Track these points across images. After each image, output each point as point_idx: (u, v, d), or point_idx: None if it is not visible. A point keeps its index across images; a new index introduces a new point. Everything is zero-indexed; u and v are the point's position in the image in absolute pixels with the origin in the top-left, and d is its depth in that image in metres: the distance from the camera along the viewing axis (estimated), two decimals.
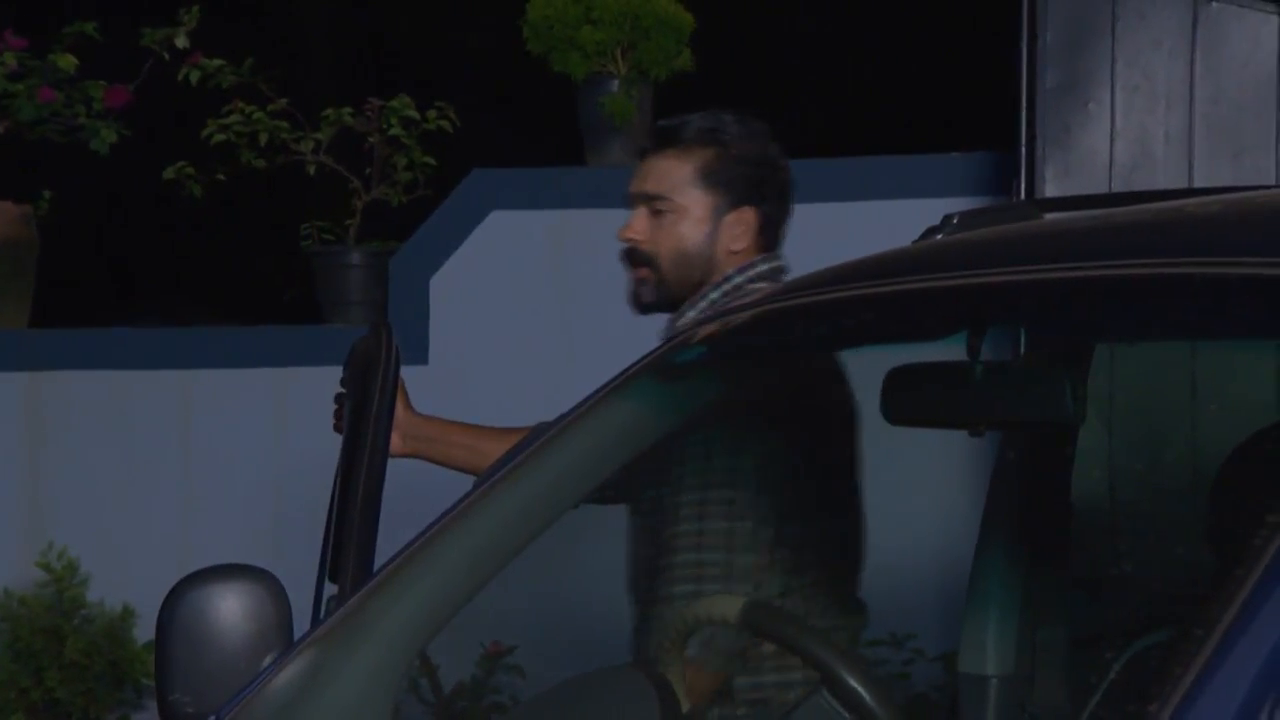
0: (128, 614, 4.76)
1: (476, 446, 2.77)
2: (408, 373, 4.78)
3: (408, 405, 2.78)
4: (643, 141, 2.71)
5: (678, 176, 2.63)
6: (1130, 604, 2.36)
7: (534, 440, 2.19)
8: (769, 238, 2.67)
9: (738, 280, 2.65)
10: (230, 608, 2.07)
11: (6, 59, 4.99)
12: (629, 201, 2.69)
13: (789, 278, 2.58)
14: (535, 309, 4.63)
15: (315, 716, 2.06)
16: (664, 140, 2.65)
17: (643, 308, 2.68)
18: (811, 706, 1.89)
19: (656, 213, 2.64)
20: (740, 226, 2.63)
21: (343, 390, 2.85)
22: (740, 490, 2.50)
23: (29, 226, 5.11)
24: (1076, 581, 2.45)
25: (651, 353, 2.23)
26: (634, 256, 2.66)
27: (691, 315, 2.63)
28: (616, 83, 4.76)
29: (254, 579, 2.08)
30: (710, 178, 2.63)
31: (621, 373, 2.30)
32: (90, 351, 5.01)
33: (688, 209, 2.63)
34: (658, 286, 2.65)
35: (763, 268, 2.66)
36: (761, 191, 2.66)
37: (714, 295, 2.64)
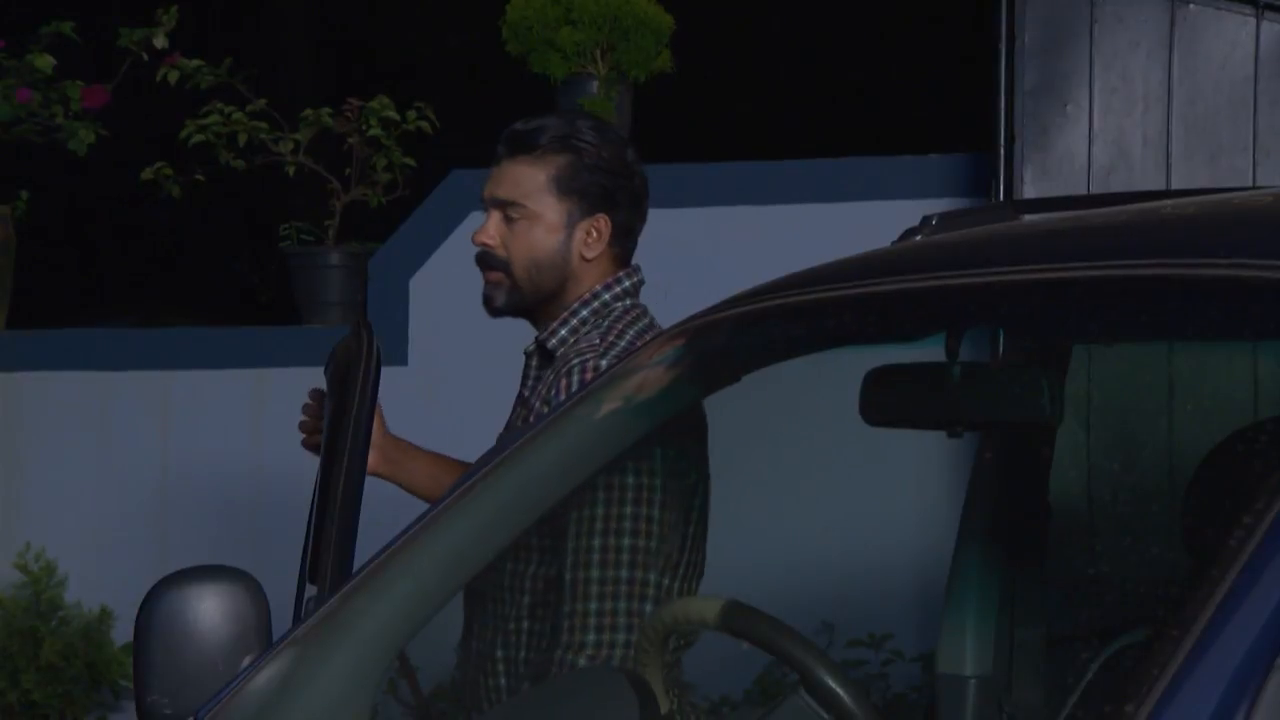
0: (105, 615, 4.75)
1: (440, 479, 2.77)
2: (387, 374, 4.78)
3: (383, 425, 2.78)
4: (500, 145, 2.71)
5: (532, 183, 2.64)
6: (1107, 604, 2.37)
7: (511, 443, 2.19)
8: (623, 246, 2.69)
9: (605, 298, 2.66)
10: (209, 609, 2.07)
11: None
12: (483, 205, 2.70)
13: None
14: None
15: (294, 717, 2.06)
16: (519, 145, 2.65)
17: (494, 311, 2.69)
18: (789, 707, 1.90)
19: (509, 218, 2.65)
20: (594, 234, 2.65)
21: (310, 399, 2.84)
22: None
23: (6, 227, 5.09)
24: (1054, 582, 2.46)
25: (627, 359, 2.23)
26: (487, 260, 2.67)
27: (564, 333, 2.65)
28: (596, 84, 4.76)
29: (233, 580, 2.08)
30: (564, 185, 2.64)
31: (600, 373, 2.30)
32: (67, 352, 5.00)
33: (541, 215, 2.64)
34: (510, 291, 2.66)
35: (626, 284, 2.69)
36: (615, 199, 2.66)
37: (584, 313, 2.66)
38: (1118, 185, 4.16)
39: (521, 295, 2.66)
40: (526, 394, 2.73)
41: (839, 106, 8.74)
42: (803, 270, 2.10)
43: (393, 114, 4.83)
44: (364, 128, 4.82)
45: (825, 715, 1.89)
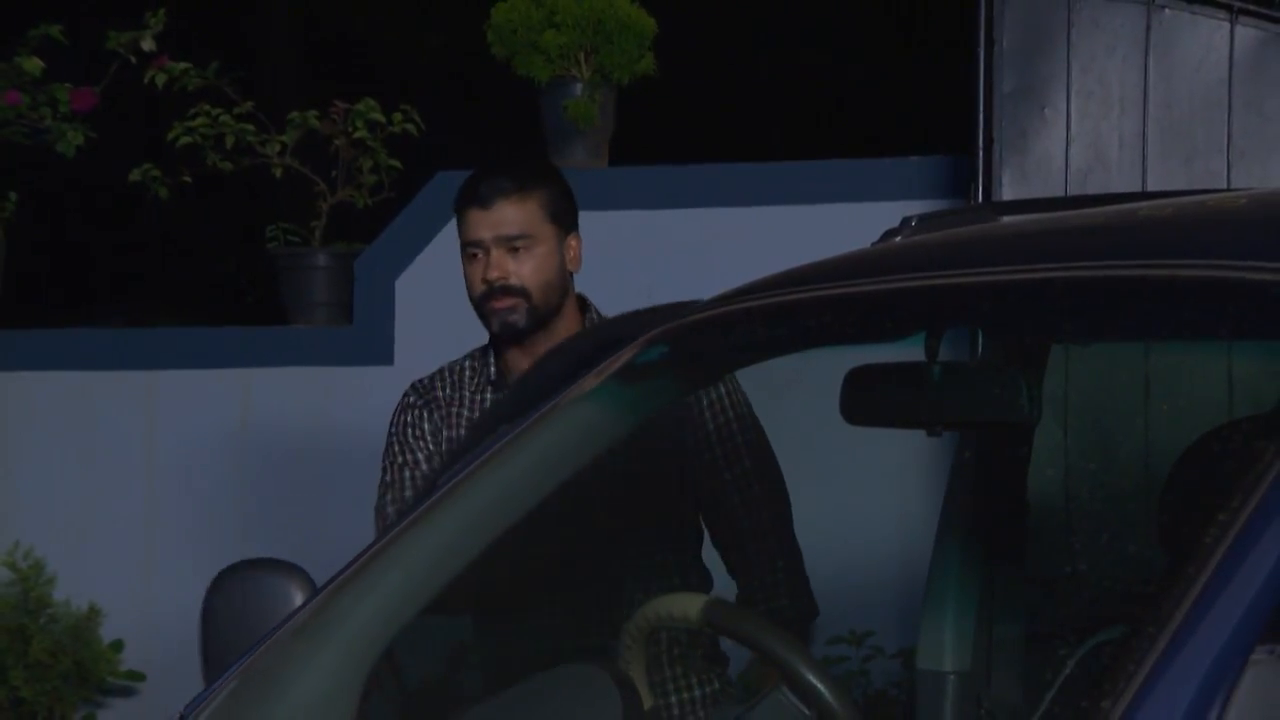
0: (94, 613, 4.74)
1: None
2: (373, 373, 4.79)
3: None
4: (477, 193, 3.00)
5: (529, 216, 2.97)
6: (1084, 602, 2.37)
7: (500, 438, 2.19)
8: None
9: (592, 303, 3.05)
10: (266, 598, 2.14)
11: None
12: (480, 247, 2.99)
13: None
14: None
15: (280, 713, 2.06)
16: (502, 191, 2.97)
17: (518, 334, 2.99)
18: (771, 703, 1.90)
19: (514, 250, 2.96)
20: (573, 250, 3.02)
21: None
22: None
23: None
24: (1032, 579, 2.46)
25: (617, 357, 2.23)
26: (505, 291, 2.97)
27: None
28: (580, 86, 4.76)
29: (289, 572, 2.16)
30: (550, 211, 2.99)
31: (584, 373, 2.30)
32: (55, 352, 4.99)
33: (544, 242, 2.98)
34: (529, 313, 2.97)
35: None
36: (576, 218, 3.04)
37: (596, 316, 3.04)
38: (1095, 187, 4.17)
39: (538, 314, 2.97)
40: None
41: (819, 109, 8.75)
42: (784, 271, 2.10)
43: (379, 116, 4.82)
44: (350, 130, 4.81)
45: (806, 711, 1.89)
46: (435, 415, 3.02)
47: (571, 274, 3.01)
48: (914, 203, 4.28)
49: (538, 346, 2.94)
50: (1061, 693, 2.13)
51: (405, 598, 2.15)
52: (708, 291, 2.20)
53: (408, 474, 3.00)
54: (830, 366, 2.06)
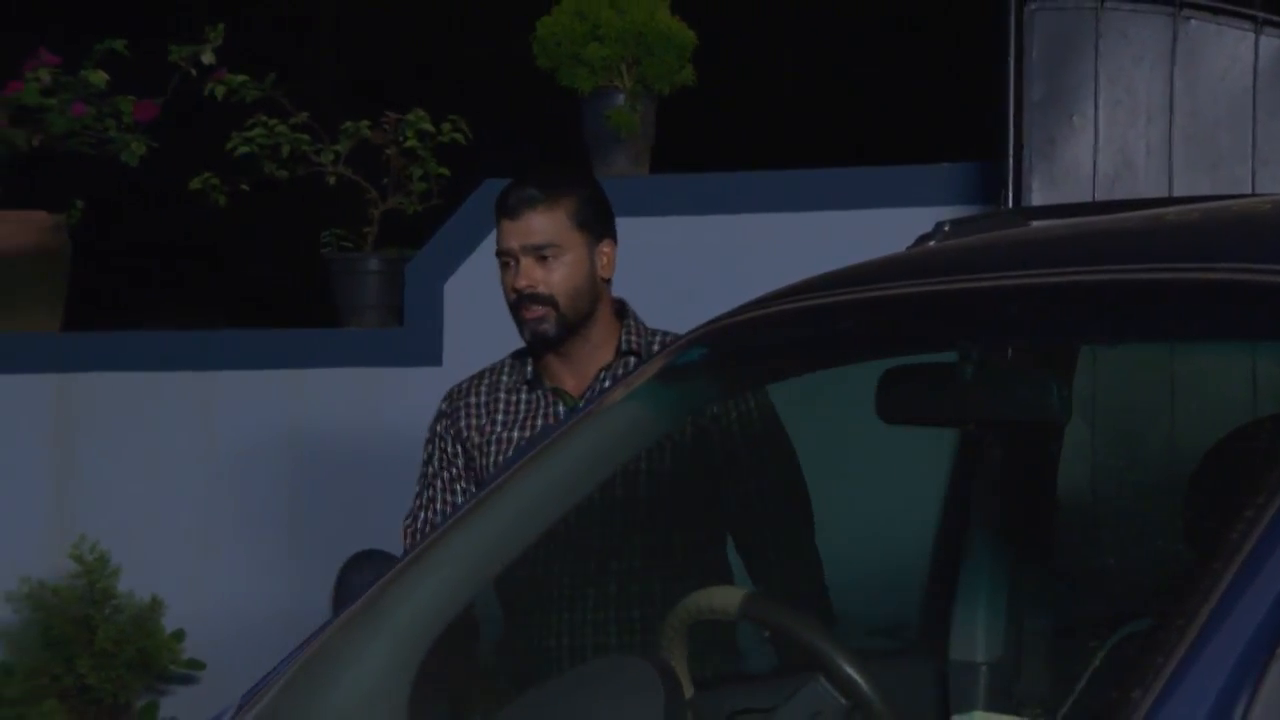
0: (156, 604, 4.77)
1: None
2: (422, 374, 4.80)
3: None
4: (506, 203, 3.00)
5: (557, 225, 2.93)
6: (1113, 595, 2.36)
7: (545, 438, 2.20)
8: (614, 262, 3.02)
9: (632, 309, 3.02)
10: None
11: (41, 75, 4.99)
12: (511, 257, 2.97)
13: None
14: None
15: (336, 699, 2.07)
16: (529, 201, 2.93)
17: (547, 342, 2.96)
18: (808, 693, 1.90)
19: (543, 258, 2.93)
20: (605, 256, 2.97)
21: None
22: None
23: (61, 235, 5.11)
24: (1061, 573, 2.46)
25: (655, 358, 2.23)
26: (531, 300, 2.94)
27: (634, 339, 2.99)
28: (622, 97, 4.76)
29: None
30: (579, 220, 2.94)
31: (625, 374, 2.30)
32: (118, 353, 5.02)
33: (571, 250, 2.93)
34: (558, 320, 2.93)
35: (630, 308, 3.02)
36: (610, 226, 2.99)
37: (634, 323, 3.00)
38: (1122, 194, 4.15)
39: (567, 321, 2.93)
40: (583, 405, 2.90)
41: (853, 117, 8.73)
42: (821, 274, 2.09)
43: (428, 126, 4.84)
44: (401, 139, 4.83)
45: (843, 701, 1.89)
46: (466, 419, 3.02)
47: (606, 280, 2.97)
48: (946, 208, 4.27)
49: (572, 351, 2.95)
50: (1090, 684, 2.13)
51: (454, 590, 2.16)
52: (746, 296, 2.20)
53: (438, 487, 3.02)
54: (865, 366, 2.06)
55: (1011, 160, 4.25)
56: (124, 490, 4.90)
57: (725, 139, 7.54)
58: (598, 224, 2.96)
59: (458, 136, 4.85)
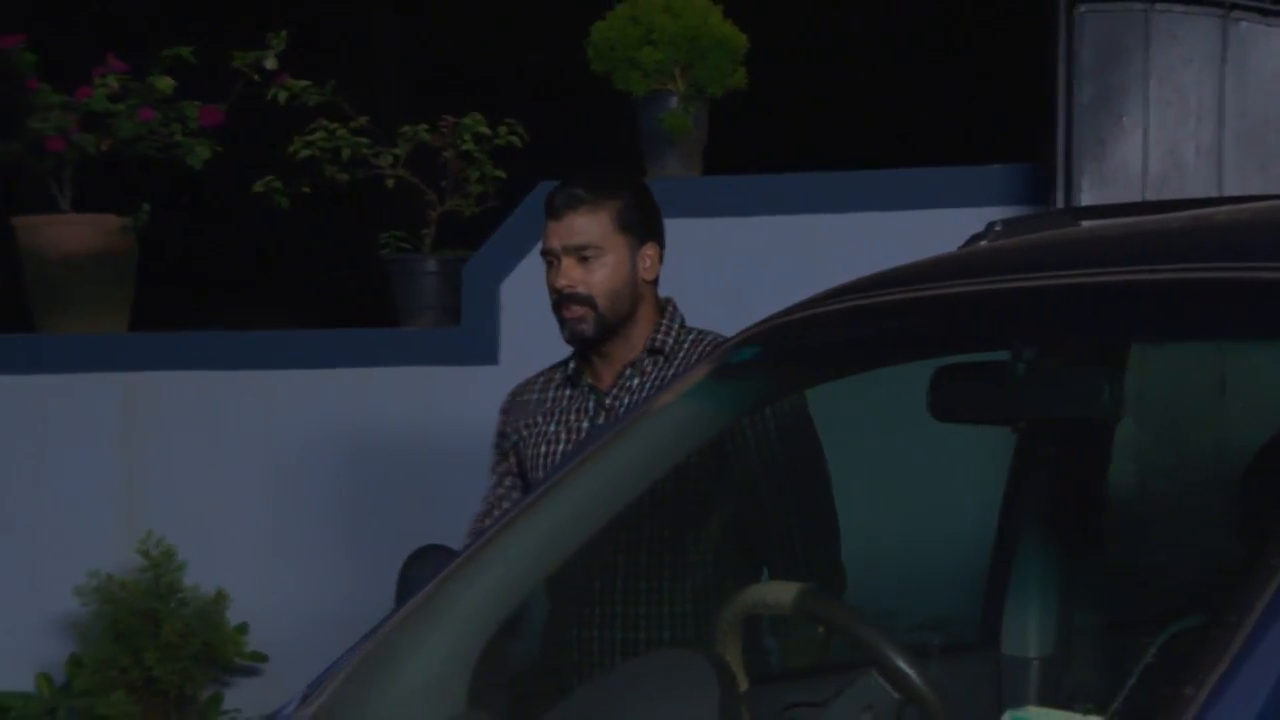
0: (221, 597, 4.79)
1: None
2: (479, 373, 4.81)
3: None
4: (551, 204, 2.98)
5: (599, 226, 2.93)
6: (1164, 591, 2.34)
7: (601, 435, 2.20)
8: (660, 265, 3.01)
9: (680, 315, 3.01)
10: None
11: (109, 81, 5.04)
12: (553, 257, 2.97)
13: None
14: None
15: (397, 691, 2.07)
16: (575, 200, 2.94)
17: (585, 341, 2.97)
18: (861, 687, 1.89)
19: (584, 260, 2.93)
20: (649, 259, 2.97)
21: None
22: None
23: (128, 237, 5.15)
24: (1112, 569, 2.44)
25: (709, 355, 2.23)
26: (570, 299, 2.95)
27: (670, 340, 2.99)
28: (675, 100, 4.76)
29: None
30: (622, 222, 2.94)
31: (679, 372, 2.30)
32: (183, 353, 5.05)
33: (612, 252, 2.93)
34: (597, 321, 2.94)
35: (675, 302, 3.02)
36: (656, 229, 2.99)
37: (674, 326, 2.99)
38: (1172, 194, 4.12)
39: (606, 322, 2.94)
40: (609, 402, 2.97)
41: (904, 119, 8.70)
42: (873, 273, 2.09)
43: (485, 130, 4.85)
44: (458, 143, 4.84)
45: (896, 694, 1.88)
46: (519, 416, 3.04)
47: (648, 281, 2.96)
48: (996, 209, 4.24)
49: (612, 350, 2.96)
50: (1142, 679, 2.11)
51: (513, 584, 2.17)
52: (797, 296, 2.20)
53: (505, 485, 3.04)
54: (916, 364, 2.05)
55: (1061, 161, 4.23)
56: (189, 487, 4.94)
57: (777, 141, 7.52)
58: (642, 227, 2.95)
59: (514, 139, 4.86)
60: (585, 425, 2.96)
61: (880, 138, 7.79)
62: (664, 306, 3.01)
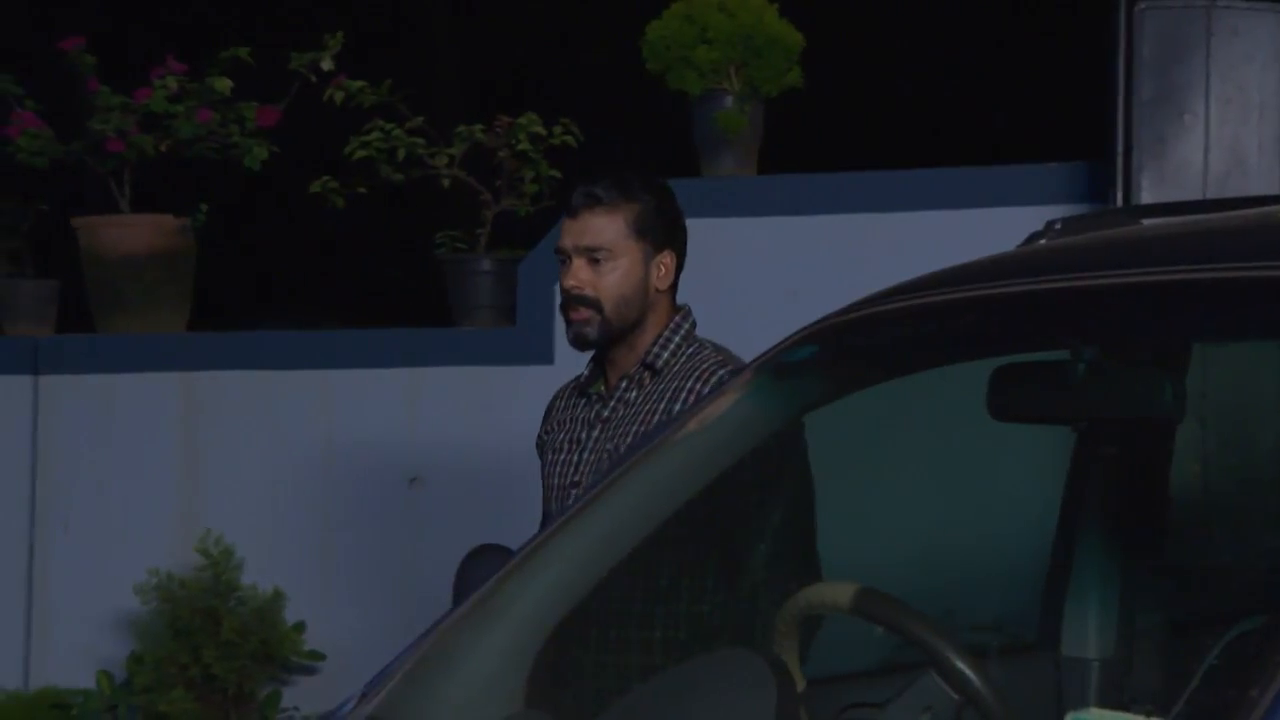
0: (278, 596, 4.82)
1: None
2: (535, 372, 4.82)
3: None
4: (570, 201, 2.91)
5: (613, 230, 2.86)
6: (1226, 592, 2.32)
7: (657, 435, 2.20)
8: (677, 279, 2.93)
9: (686, 327, 2.92)
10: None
11: (168, 82, 5.08)
12: (565, 255, 2.90)
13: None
14: None
15: (454, 690, 2.08)
16: (592, 200, 2.87)
17: (586, 345, 2.90)
18: (920, 688, 1.88)
19: (595, 261, 2.86)
20: (663, 269, 2.89)
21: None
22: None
23: (187, 237, 5.19)
24: (1174, 570, 2.42)
25: (762, 355, 2.23)
26: (577, 301, 2.87)
27: (666, 355, 2.90)
28: (730, 99, 4.76)
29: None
30: (639, 228, 2.87)
31: (736, 372, 2.30)
32: (240, 353, 5.08)
33: (625, 257, 2.86)
34: (601, 326, 2.86)
35: (693, 317, 2.93)
36: (675, 238, 2.91)
37: (676, 339, 2.90)
38: (1233, 191, 4.08)
39: (611, 328, 2.87)
40: (607, 414, 2.89)
41: (961, 117, 8.65)
42: (931, 272, 2.08)
43: (540, 129, 4.86)
44: (513, 143, 4.85)
45: (954, 695, 1.87)
46: (546, 422, 3.01)
47: (660, 290, 2.87)
48: (1053, 207, 4.21)
49: (618, 358, 2.89)
50: (1205, 681, 2.09)
51: (569, 584, 2.17)
52: (854, 295, 2.19)
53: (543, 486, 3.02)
54: (974, 364, 2.04)
55: (1121, 159, 4.20)
56: (247, 485, 4.97)
57: (833, 139, 7.50)
58: (660, 233, 2.87)
59: (569, 139, 4.87)
60: (584, 435, 2.89)
61: (937, 136, 7.76)
62: (673, 317, 2.90)
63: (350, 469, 4.92)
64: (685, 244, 2.94)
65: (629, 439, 2.82)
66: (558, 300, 2.99)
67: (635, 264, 2.86)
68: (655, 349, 2.88)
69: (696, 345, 2.90)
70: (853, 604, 1.97)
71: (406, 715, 2.07)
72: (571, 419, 2.95)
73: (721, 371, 2.82)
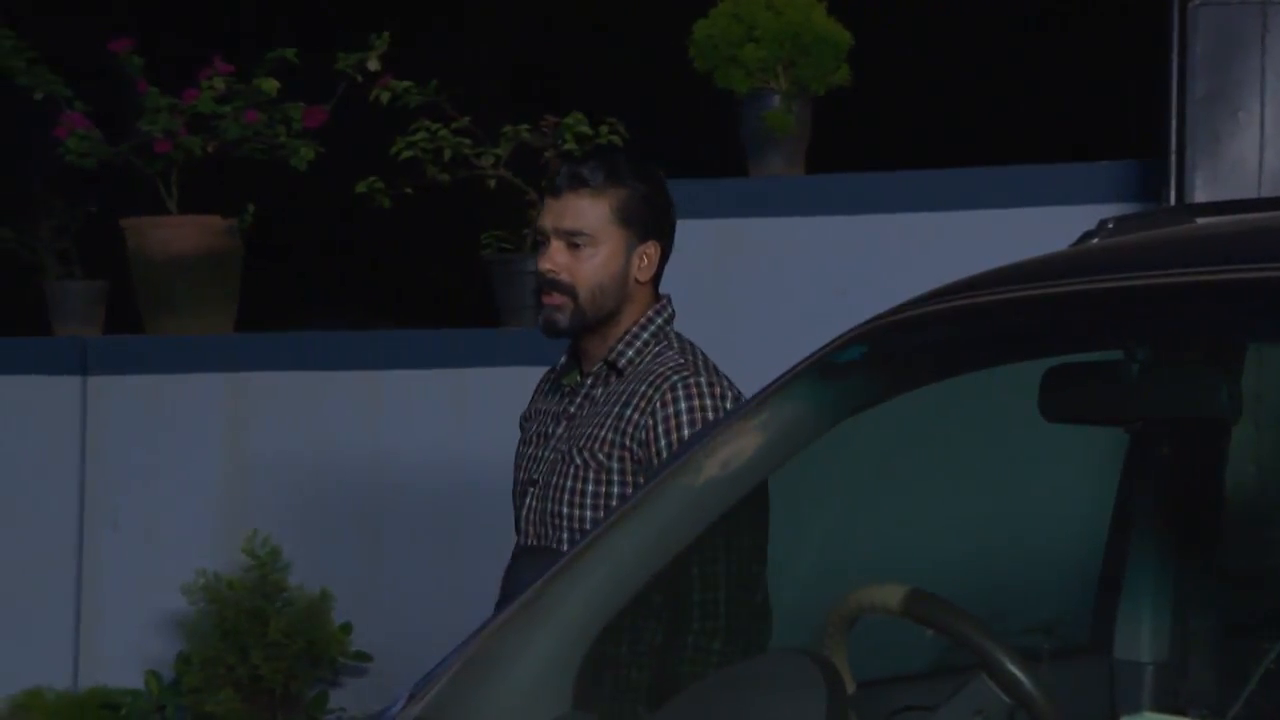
0: (325, 597, 4.84)
1: None
2: None
3: None
4: (555, 180, 2.81)
5: (595, 214, 2.74)
6: None
7: (704, 435, 2.20)
8: (660, 271, 2.81)
9: (659, 322, 2.80)
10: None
11: (215, 83, 5.12)
12: (545, 235, 2.79)
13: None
14: (698, 312, 4.62)
15: (502, 693, 2.09)
16: (578, 182, 2.75)
17: (556, 333, 2.78)
18: (972, 691, 1.88)
19: (574, 246, 2.75)
20: (645, 260, 2.77)
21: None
22: None
23: (233, 238, 5.23)
24: (1229, 573, 2.40)
25: (812, 355, 2.22)
26: (551, 285, 2.76)
27: (631, 354, 2.77)
28: (777, 98, 4.75)
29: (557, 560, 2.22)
30: (623, 215, 2.75)
31: (785, 372, 2.30)
32: (288, 353, 5.11)
33: (605, 243, 2.75)
34: (573, 314, 2.75)
35: (668, 311, 2.82)
36: (661, 228, 2.79)
37: (645, 336, 2.78)
38: None
39: (584, 317, 2.76)
40: (573, 410, 2.80)
41: (1012, 115, 8.61)
42: (981, 272, 2.07)
43: (586, 129, 4.87)
44: (559, 142, 4.87)
45: (1006, 699, 1.87)
46: (533, 403, 2.92)
47: (641, 282, 2.76)
48: (1107, 206, 4.19)
49: (589, 349, 2.78)
50: (1262, 685, 2.08)
51: (618, 585, 2.17)
52: (903, 295, 2.19)
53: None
54: (1026, 365, 2.03)
55: (1174, 157, 4.17)
56: (294, 486, 5.00)
57: (881, 138, 7.48)
58: (645, 223, 2.76)
59: (615, 139, 4.88)
60: (550, 430, 2.80)
61: (988, 134, 7.72)
62: (646, 311, 2.78)
63: (397, 470, 4.94)
64: (673, 235, 2.82)
65: (583, 441, 2.73)
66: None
67: (616, 252, 2.75)
68: (620, 346, 2.77)
69: (664, 344, 2.77)
70: (902, 605, 1.97)
71: (454, 717, 2.08)
72: (544, 410, 2.86)
73: (675, 378, 2.71)
